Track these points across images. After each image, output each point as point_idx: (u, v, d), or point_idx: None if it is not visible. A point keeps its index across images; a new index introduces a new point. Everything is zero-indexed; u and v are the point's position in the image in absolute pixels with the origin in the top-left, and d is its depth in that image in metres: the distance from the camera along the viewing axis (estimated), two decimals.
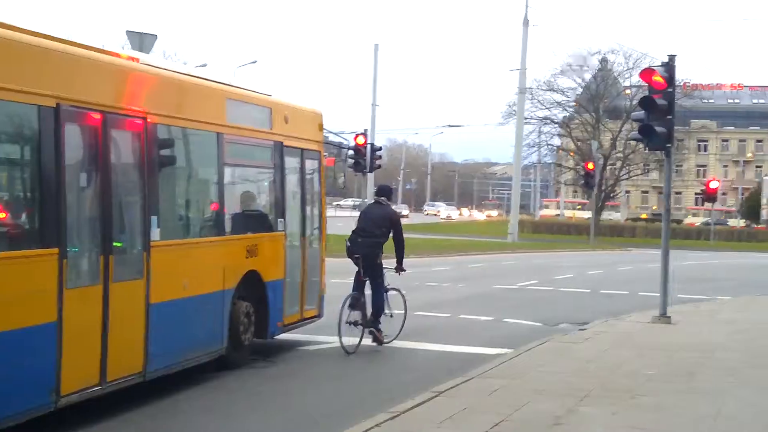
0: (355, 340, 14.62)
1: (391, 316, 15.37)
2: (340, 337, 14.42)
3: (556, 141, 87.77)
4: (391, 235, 15.25)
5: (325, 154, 16.98)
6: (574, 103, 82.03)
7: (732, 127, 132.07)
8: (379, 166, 44.31)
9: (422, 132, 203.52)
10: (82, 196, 9.89)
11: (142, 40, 22.15)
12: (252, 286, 13.37)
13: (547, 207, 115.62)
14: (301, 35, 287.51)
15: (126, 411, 10.36)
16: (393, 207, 16.22)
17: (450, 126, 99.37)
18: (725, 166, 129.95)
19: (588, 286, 27.58)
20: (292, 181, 14.83)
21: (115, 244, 10.10)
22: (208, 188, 12.81)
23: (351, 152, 36.04)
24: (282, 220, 14.33)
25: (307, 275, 15.10)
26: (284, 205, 14.44)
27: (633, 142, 61.77)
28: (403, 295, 15.85)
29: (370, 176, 50.27)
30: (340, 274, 24.56)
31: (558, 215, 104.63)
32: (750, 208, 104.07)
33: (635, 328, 17.51)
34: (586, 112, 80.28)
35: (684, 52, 75.17)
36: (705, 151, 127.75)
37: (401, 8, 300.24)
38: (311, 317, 15.45)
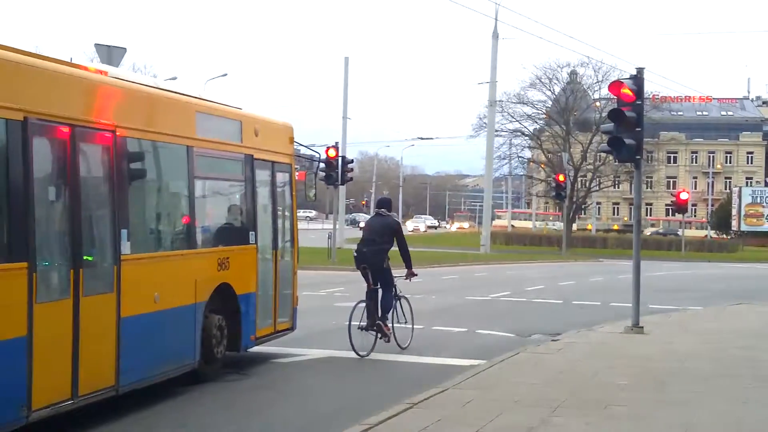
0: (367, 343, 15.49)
1: (406, 322, 16.31)
2: (351, 341, 15.13)
3: (527, 153, 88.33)
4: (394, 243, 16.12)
5: (297, 167, 16.96)
6: (544, 116, 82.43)
7: (701, 139, 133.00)
8: (351, 179, 44.42)
9: (394, 145, 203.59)
10: (52, 210, 9.83)
11: (110, 53, 22.05)
12: (224, 299, 13.32)
13: (499, 218, 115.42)
14: (272, 48, 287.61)
15: (98, 425, 10.28)
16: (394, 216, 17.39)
17: (421, 138, 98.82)
18: (695, 178, 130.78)
19: (560, 297, 27.64)
20: (263, 194, 14.80)
21: (85, 257, 10.05)
22: (179, 201, 12.75)
23: (322, 165, 36.13)
24: (253, 232, 14.29)
25: (279, 288, 15.05)
26: (255, 217, 14.40)
27: (603, 154, 62.10)
28: (408, 302, 16.68)
29: (342, 189, 50.32)
30: (311, 286, 24.53)
31: (507, 227, 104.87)
32: (720, 219, 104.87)
33: (608, 338, 17.55)
34: (556, 124, 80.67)
35: (653, 65, 75.93)
36: (675, 162, 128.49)
37: (372, 21, 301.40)
38: (284, 330, 15.41)
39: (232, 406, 11.67)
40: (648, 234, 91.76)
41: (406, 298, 16.62)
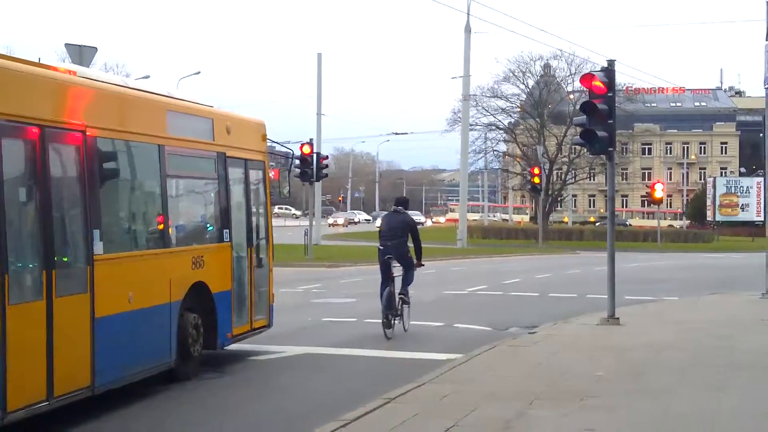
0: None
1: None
2: (384, 328, 17.18)
3: (502, 147, 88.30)
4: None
5: (272, 164, 16.92)
6: (518, 109, 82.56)
7: (675, 130, 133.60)
8: (326, 175, 44.34)
9: (369, 140, 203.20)
10: (23, 211, 9.79)
11: (81, 53, 21.94)
12: (199, 298, 13.29)
13: (452, 211, 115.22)
14: (245, 46, 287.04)
15: (75, 426, 10.25)
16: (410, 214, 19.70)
17: (396, 134, 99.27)
18: (669, 169, 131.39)
19: (536, 290, 27.71)
20: (236, 191, 14.76)
21: (57, 258, 10.00)
22: (151, 200, 12.70)
23: (297, 162, 36.04)
24: (228, 230, 14.25)
25: (255, 285, 15.02)
26: (229, 215, 14.36)
27: (578, 147, 62.23)
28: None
29: (318, 185, 50.24)
30: (287, 283, 24.50)
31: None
32: (695, 210, 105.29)
33: (584, 330, 17.61)
34: (530, 117, 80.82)
35: (626, 56, 76.26)
36: (649, 154, 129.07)
37: (344, 17, 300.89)
38: (261, 327, 15.39)
39: (210, 405, 11.65)
40: (596, 225, 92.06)
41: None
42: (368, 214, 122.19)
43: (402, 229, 18.12)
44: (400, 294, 18.01)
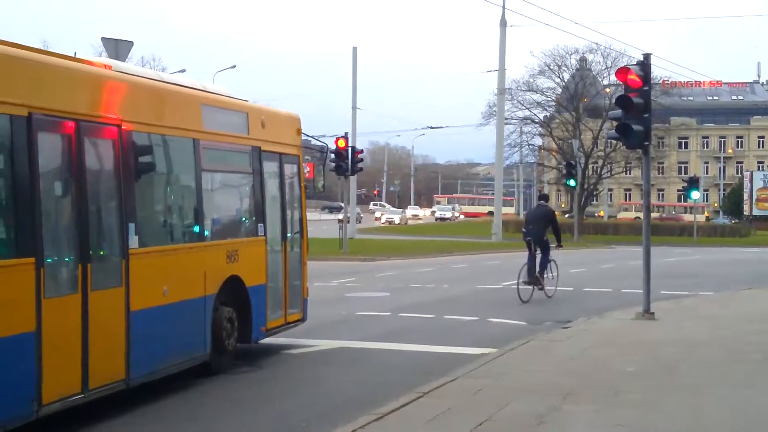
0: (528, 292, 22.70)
1: (552, 277, 23.57)
2: (519, 292, 22.46)
3: (538, 141, 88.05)
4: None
5: (306, 158, 16.96)
6: (554, 103, 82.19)
7: (712, 124, 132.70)
8: (361, 169, 44.43)
9: (404, 134, 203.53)
10: (58, 205, 9.86)
11: (117, 47, 22.10)
12: (234, 291, 13.33)
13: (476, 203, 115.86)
14: (281, 39, 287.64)
15: (109, 419, 10.33)
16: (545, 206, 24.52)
17: (431, 128, 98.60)
18: (706, 163, 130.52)
19: (571, 285, 27.53)
20: (271, 185, 14.79)
21: (93, 252, 10.07)
22: (186, 194, 12.75)
23: (332, 155, 36.10)
24: (262, 224, 14.29)
25: (289, 279, 15.05)
26: (264, 209, 14.40)
27: (614, 141, 61.85)
28: (556, 264, 23.78)
29: (353, 179, 50.32)
30: (321, 277, 24.54)
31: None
32: (732, 204, 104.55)
33: (618, 325, 17.54)
34: (566, 111, 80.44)
35: (662, 50, 75.69)
36: (686, 148, 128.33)
37: (380, 11, 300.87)
38: (295, 321, 15.42)
39: (243, 399, 11.70)
40: (633, 219, 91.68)
41: (555, 261, 23.67)
42: (403, 208, 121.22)
43: (542, 219, 23.53)
44: (537, 272, 22.91)
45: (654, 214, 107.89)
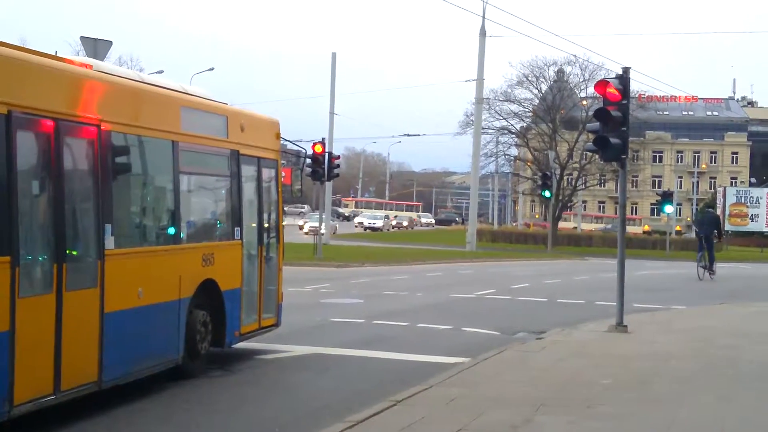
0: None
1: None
2: (698, 271, 35.09)
3: (514, 151, 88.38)
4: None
5: (283, 162, 16.92)
6: (531, 114, 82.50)
7: (687, 139, 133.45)
8: (338, 175, 44.39)
9: (381, 141, 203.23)
10: (35, 204, 9.80)
11: (96, 46, 21.99)
12: (209, 295, 13.28)
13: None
14: (259, 43, 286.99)
15: (81, 421, 10.26)
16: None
17: (408, 135, 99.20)
18: (680, 177, 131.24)
19: (545, 295, 27.63)
20: (248, 189, 14.75)
21: (68, 252, 10.01)
22: (163, 196, 12.70)
23: (309, 161, 36.08)
24: (239, 228, 14.25)
25: (264, 284, 15.01)
26: (241, 213, 14.35)
27: (589, 153, 62.08)
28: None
29: (328, 184, 50.27)
30: (296, 282, 24.48)
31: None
32: None
33: (592, 337, 17.56)
34: (542, 122, 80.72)
35: (640, 64, 76.01)
36: (660, 162, 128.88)
37: (359, 17, 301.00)
38: (269, 326, 15.37)
39: (216, 403, 11.65)
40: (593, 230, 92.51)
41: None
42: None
43: (711, 222, 36.31)
44: (708, 263, 34.99)
45: (598, 226, 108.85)
